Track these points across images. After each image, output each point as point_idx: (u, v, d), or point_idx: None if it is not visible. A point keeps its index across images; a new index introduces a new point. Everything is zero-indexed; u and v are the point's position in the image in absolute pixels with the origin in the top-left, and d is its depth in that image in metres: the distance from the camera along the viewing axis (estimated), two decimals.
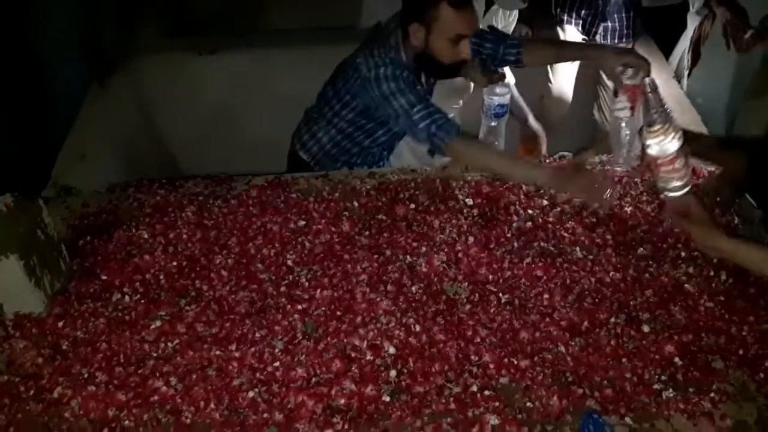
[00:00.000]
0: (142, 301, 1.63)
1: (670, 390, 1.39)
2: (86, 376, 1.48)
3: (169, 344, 1.53)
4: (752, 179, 1.65)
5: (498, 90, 2.13)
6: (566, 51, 2.28)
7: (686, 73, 2.64)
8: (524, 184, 1.90)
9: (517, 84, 2.47)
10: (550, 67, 2.81)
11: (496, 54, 2.08)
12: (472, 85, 2.39)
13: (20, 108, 2.42)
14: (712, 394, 1.39)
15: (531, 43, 2.16)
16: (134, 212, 1.90)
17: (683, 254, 1.70)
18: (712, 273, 1.65)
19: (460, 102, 2.44)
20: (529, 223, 1.80)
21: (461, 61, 1.90)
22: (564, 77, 2.81)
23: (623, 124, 1.86)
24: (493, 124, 2.20)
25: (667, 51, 2.76)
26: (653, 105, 1.46)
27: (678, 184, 1.49)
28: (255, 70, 2.90)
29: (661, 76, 2.54)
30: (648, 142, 1.45)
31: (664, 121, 1.44)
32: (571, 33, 2.72)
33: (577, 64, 2.77)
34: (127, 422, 1.39)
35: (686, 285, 1.62)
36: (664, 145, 1.44)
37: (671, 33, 2.77)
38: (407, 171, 2.04)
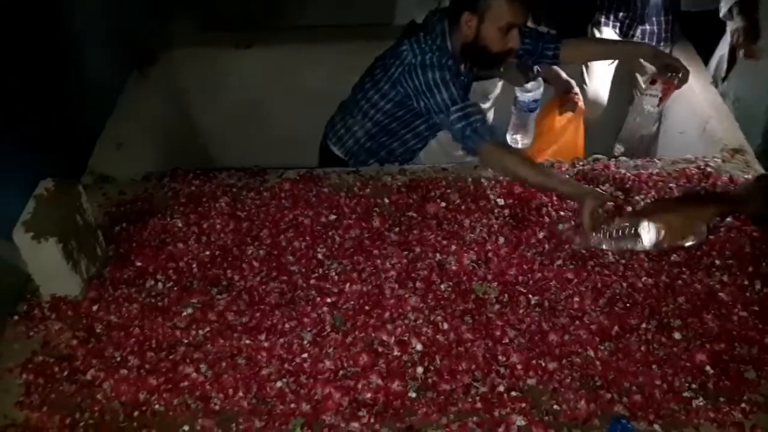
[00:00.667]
0: (175, 289, 1.66)
1: (701, 398, 1.38)
2: (119, 359, 1.51)
3: (200, 332, 1.55)
4: None
5: (530, 86, 2.14)
6: (605, 48, 2.28)
7: (723, 78, 2.60)
8: (557, 195, 1.86)
9: (549, 87, 2.46)
10: (586, 70, 2.78)
11: (535, 49, 2.08)
12: (499, 86, 2.39)
13: (59, 97, 2.47)
14: (743, 404, 1.37)
15: (570, 40, 2.15)
16: (169, 201, 1.93)
17: (717, 262, 1.68)
18: (746, 282, 1.62)
19: (488, 103, 2.43)
20: (563, 225, 1.79)
21: (508, 51, 1.90)
22: (600, 80, 2.78)
23: (647, 109, 2.01)
24: (524, 118, 2.20)
25: (705, 56, 2.72)
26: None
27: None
28: (289, 65, 2.92)
29: (698, 81, 2.51)
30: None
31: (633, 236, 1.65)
32: (609, 35, 2.69)
33: (613, 66, 2.74)
34: (157, 406, 1.42)
35: (720, 293, 1.60)
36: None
37: (710, 38, 2.73)
38: (439, 169, 2.04)
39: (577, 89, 2.43)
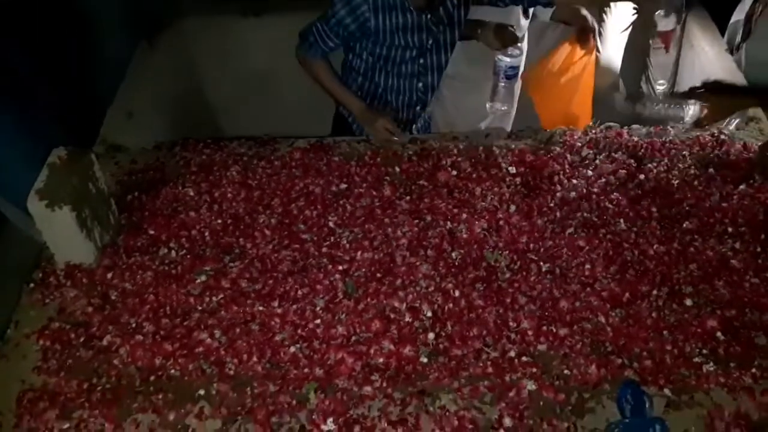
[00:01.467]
0: (188, 256, 1.67)
1: (711, 364, 1.39)
2: (134, 325, 1.53)
3: (214, 298, 1.57)
4: None
5: (510, 51, 2.06)
6: None
7: (737, 47, 2.56)
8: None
9: None
10: (599, 37, 2.74)
11: None
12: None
13: (70, 65, 2.46)
14: (754, 370, 1.38)
15: None
16: (180, 170, 1.94)
17: (730, 229, 1.67)
18: (758, 249, 1.62)
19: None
20: (573, 193, 1.79)
21: None
22: (612, 47, 2.74)
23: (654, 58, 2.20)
24: (502, 84, 2.13)
25: (720, 24, 2.67)
26: None
27: None
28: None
29: (713, 48, 2.47)
30: None
31: None
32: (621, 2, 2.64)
33: (626, 33, 2.70)
34: (173, 371, 1.44)
35: (732, 260, 1.60)
36: None
37: (726, 5, 2.67)
38: (450, 138, 2.03)
39: (594, 26, 2.37)
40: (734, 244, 1.63)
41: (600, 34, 2.74)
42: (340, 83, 2.14)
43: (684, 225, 1.69)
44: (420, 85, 2.09)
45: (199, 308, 1.55)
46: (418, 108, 2.16)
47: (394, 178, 1.88)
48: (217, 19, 2.91)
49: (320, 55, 2.06)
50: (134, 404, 1.39)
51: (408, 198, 1.81)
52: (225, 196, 1.84)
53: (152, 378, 1.43)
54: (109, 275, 1.64)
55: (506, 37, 2.05)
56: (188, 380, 1.42)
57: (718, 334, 1.44)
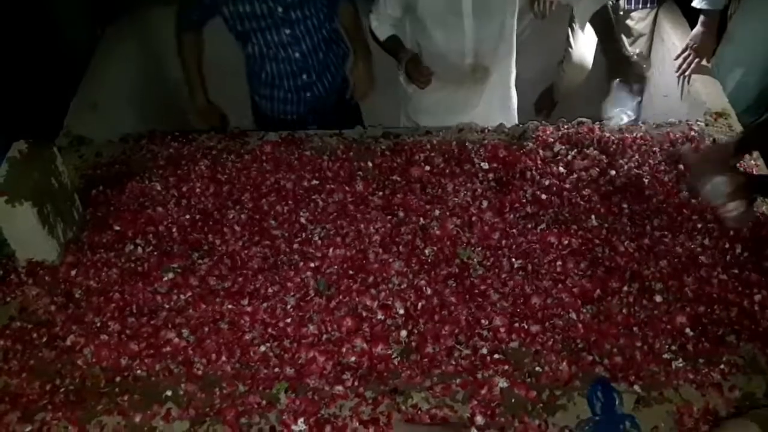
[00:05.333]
0: (155, 253, 1.64)
1: (680, 360, 1.40)
2: (99, 325, 1.49)
3: (182, 296, 1.54)
4: None
5: None
6: None
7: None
8: None
9: (535, 50, 2.43)
10: (571, 33, 2.75)
11: None
12: None
13: (32, 56, 2.40)
14: (722, 366, 1.39)
15: None
16: (147, 164, 1.89)
17: (699, 226, 1.69)
18: (727, 245, 1.63)
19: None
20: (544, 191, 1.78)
21: None
22: (585, 43, 2.74)
23: None
24: None
25: (691, 19, 2.69)
26: None
27: None
28: None
29: (684, 44, 2.49)
30: None
31: None
32: None
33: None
34: (139, 371, 1.41)
35: (701, 257, 1.61)
36: None
37: None
38: (423, 132, 2.01)
39: None
40: (703, 241, 1.65)
41: (572, 30, 2.75)
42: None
43: (654, 221, 1.70)
44: (297, 55, 2.10)
45: (167, 306, 1.52)
46: (304, 77, 2.16)
47: (367, 173, 1.86)
48: None
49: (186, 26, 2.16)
50: (99, 406, 1.35)
51: (381, 194, 1.79)
52: (193, 191, 1.80)
53: (118, 379, 1.40)
54: (73, 272, 1.60)
55: None
56: (155, 381, 1.39)
57: (687, 330, 1.46)
